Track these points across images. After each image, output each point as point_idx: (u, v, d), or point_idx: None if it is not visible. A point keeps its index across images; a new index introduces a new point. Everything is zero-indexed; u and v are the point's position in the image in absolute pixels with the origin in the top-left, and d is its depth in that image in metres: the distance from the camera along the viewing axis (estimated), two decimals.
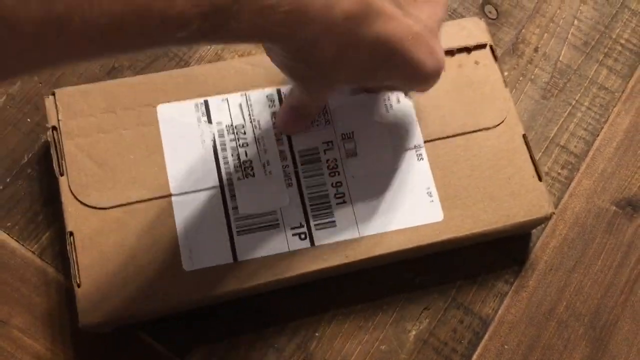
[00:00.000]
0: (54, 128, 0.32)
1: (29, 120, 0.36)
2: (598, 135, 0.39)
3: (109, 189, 0.31)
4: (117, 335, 0.33)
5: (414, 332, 0.34)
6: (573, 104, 0.39)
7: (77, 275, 0.30)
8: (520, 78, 0.40)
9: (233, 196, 0.32)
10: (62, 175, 0.31)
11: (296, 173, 0.32)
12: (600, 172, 0.38)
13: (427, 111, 0.34)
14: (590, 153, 0.39)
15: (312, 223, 0.32)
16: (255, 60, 0.34)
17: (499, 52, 0.40)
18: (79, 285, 0.30)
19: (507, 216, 0.33)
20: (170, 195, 0.31)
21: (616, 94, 0.40)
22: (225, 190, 0.32)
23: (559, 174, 0.38)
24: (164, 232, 0.31)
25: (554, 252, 0.36)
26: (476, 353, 0.34)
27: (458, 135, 0.34)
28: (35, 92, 0.37)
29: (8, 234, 0.34)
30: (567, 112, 0.39)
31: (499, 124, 0.34)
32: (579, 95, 0.40)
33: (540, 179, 0.33)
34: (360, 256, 0.31)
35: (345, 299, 0.34)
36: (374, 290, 0.35)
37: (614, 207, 0.37)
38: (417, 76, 0.27)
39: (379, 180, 0.33)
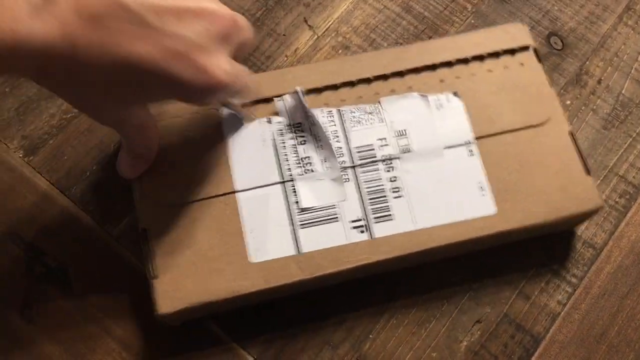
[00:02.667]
0: None
1: None
2: None
3: (179, 187, 0.33)
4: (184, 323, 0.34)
5: (465, 343, 0.35)
6: (633, 136, 0.40)
7: (153, 268, 0.32)
8: (582, 107, 0.41)
9: (294, 191, 0.34)
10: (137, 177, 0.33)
11: (353, 169, 0.34)
12: None
13: (476, 110, 0.36)
14: None
15: (370, 217, 0.33)
16: (310, 66, 0.37)
17: (562, 81, 0.41)
18: (155, 278, 0.32)
19: (557, 209, 0.34)
20: (235, 191, 0.33)
21: None
22: (287, 185, 0.34)
23: (616, 202, 0.39)
24: (230, 227, 0.33)
25: (608, 277, 0.37)
26: None
27: (506, 133, 0.35)
28: None
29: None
30: (627, 143, 0.40)
31: (545, 122, 0.36)
32: (639, 128, 0.41)
33: (588, 173, 0.35)
34: (417, 248, 0.33)
35: (400, 305, 0.36)
36: (428, 298, 0.36)
37: None
38: (185, 92, 0.28)
39: (432, 175, 0.34)
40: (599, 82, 0.42)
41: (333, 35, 0.42)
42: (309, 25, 0.42)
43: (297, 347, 0.35)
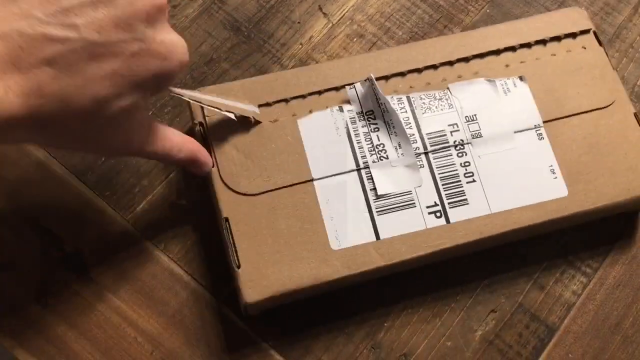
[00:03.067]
0: (200, 124, 0.35)
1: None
2: None
3: (256, 176, 0.34)
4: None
5: (480, 332, 0.35)
6: None
7: (237, 258, 0.32)
8: None
9: (370, 178, 0.34)
10: (213, 166, 0.34)
11: (426, 155, 0.35)
12: None
13: (542, 94, 0.36)
14: None
15: (445, 202, 0.34)
16: (375, 54, 0.37)
17: None
18: (238, 267, 0.32)
19: (628, 189, 0.35)
20: (312, 179, 0.34)
21: None
22: (362, 173, 0.34)
23: None
24: (309, 214, 0.33)
25: (623, 268, 0.37)
26: (540, 358, 0.35)
27: (574, 115, 0.36)
28: None
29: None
30: None
31: (610, 104, 0.36)
32: None
33: None
34: (493, 231, 0.33)
35: (415, 293, 0.36)
36: (443, 287, 0.36)
37: None
38: (160, 86, 0.28)
39: (504, 159, 0.35)
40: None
41: (348, 23, 0.42)
42: (324, 13, 0.42)
43: (312, 332, 0.35)
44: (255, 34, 0.41)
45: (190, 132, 0.36)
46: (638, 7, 0.43)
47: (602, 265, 0.37)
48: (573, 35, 0.38)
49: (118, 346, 0.34)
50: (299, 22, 0.42)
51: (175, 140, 0.31)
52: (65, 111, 0.24)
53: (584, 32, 0.38)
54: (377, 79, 0.36)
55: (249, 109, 0.34)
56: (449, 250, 0.33)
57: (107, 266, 0.35)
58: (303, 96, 0.35)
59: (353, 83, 0.36)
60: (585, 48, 0.37)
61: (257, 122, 0.35)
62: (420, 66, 0.36)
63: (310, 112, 0.35)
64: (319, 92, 0.36)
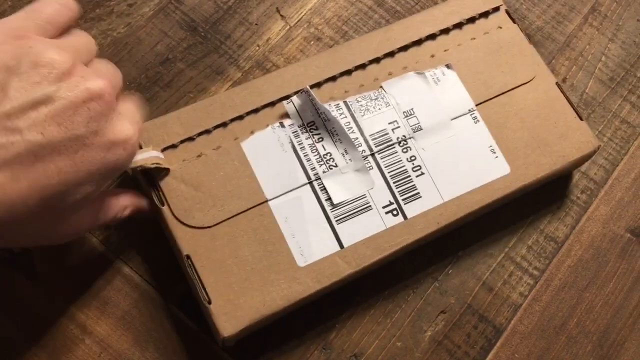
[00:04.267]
0: (140, 166, 0.33)
1: None
2: (617, 165, 0.41)
3: (210, 207, 0.33)
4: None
5: (429, 333, 0.36)
6: (596, 134, 0.42)
7: (205, 294, 0.31)
8: None
9: (323, 189, 0.34)
10: (162, 205, 0.33)
11: (373, 156, 0.35)
12: (618, 200, 0.40)
13: (470, 78, 0.37)
14: (609, 181, 0.40)
15: (399, 198, 0.34)
16: (305, 62, 0.37)
17: None
18: (209, 302, 0.31)
19: (563, 156, 0.36)
20: (266, 200, 0.33)
21: (637, 128, 0.42)
22: (315, 185, 0.34)
23: (578, 197, 0.40)
24: (271, 236, 0.33)
25: (568, 270, 0.38)
26: (487, 358, 0.36)
27: (502, 94, 0.37)
28: None
29: None
30: None
31: (533, 78, 0.38)
32: (602, 126, 0.42)
33: (581, 118, 0.37)
34: (449, 219, 0.34)
35: (367, 294, 0.36)
36: (395, 288, 0.37)
37: (629, 234, 0.39)
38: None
39: (446, 147, 0.36)
40: (564, 80, 0.43)
41: (305, 26, 0.42)
42: (282, 16, 0.42)
43: (262, 334, 0.35)
44: (212, 35, 0.41)
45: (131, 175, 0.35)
46: (588, 16, 0.45)
47: (549, 268, 0.38)
48: (486, 14, 0.39)
49: (64, 348, 0.33)
50: (256, 24, 0.42)
51: (120, 203, 0.31)
52: (12, 215, 0.24)
53: (495, 9, 0.39)
54: (312, 86, 0.36)
55: (151, 155, 0.33)
56: (411, 244, 0.34)
57: (55, 267, 0.35)
58: (241, 117, 0.35)
59: (288, 96, 0.35)
60: (501, 27, 0.39)
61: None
62: (350, 67, 0.37)
63: (252, 132, 0.35)
64: (256, 110, 0.35)
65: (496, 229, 0.38)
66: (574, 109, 0.37)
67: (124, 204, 0.32)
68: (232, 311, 0.31)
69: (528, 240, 0.39)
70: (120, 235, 0.36)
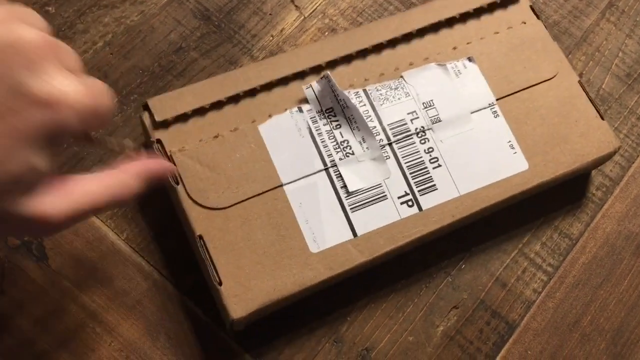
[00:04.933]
0: (158, 141, 0.33)
1: None
2: (633, 162, 0.41)
3: (225, 189, 0.33)
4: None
5: (441, 328, 0.36)
6: (612, 130, 0.41)
7: (217, 275, 0.31)
8: None
9: (339, 176, 0.34)
10: (177, 184, 0.32)
11: (390, 145, 0.35)
12: (633, 198, 0.40)
13: (491, 72, 0.37)
14: (625, 178, 0.40)
15: (415, 190, 0.34)
16: (321, 42, 0.37)
17: None
18: (220, 284, 0.31)
19: (583, 155, 0.36)
20: (281, 185, 0.33)
21: None
22: (331, 171, 0.34)
23: (593, 194, 0.39)
24: (284, 221, 0.33)
25: (582, 267, 0.38)
26: (500, 355, 0.35)
27: (523, 90, 0.37)
28: (106, 61, 0.39)
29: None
30: None
31: (555, 75, 0.37)
32: (618, 122, 0.41)
33: (602, 118, 0.37)
34: (465, 213, 0.34)
35: (379, 288, 0.36)
36: (407, 282, 0.36)
37: None
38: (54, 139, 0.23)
39: (465, 141, 0.35)
40: (581, 75, 0.42)
41: (320, 17, 0.42)
42: (296, 6, 0.42)
43: (273, 327, 0.34)
44: (225, 24, 0.41)
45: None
46: (605, 11, 0.44)
47: (563, 264, 0.38)
48: (504, 4, 0.38)
49: (75, 336, 0.33)
50: (270, 14, 0.41)
51: (129, 171, 0.27)
52: None
53: (515, 1, 0.39)
54: (327, 64, 0.35)
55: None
56: (425, 236, 0.34)
57: (67, 255, 0.35)
58: (254, 91, 0.35)
59: (304, 72, 0.35)
60: (525, 23, 0.38)
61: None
62: (367, 46, 0.36)
63: (270, 116, 0.34)
64: (270, 86, 0.35)
65: (510, 225, 0.38)
66: (595, 108, 0.37)
67: (135, 170, 0.27)
68: (243, 293, 0.31)
69: (542, 237, 0.38)
70: (131, 224, 0.35)
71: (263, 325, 0.34)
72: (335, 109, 0.35)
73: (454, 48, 0.37)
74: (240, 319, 0.31)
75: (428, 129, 0.35)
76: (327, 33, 0.41)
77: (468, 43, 0.37)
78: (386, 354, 0.35)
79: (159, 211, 0.36)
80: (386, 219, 0.33)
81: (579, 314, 0.37)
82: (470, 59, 0.37)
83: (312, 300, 0.34)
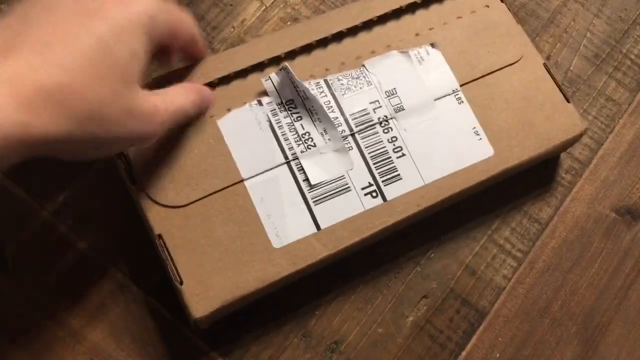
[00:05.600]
0: None
1: None
2: (603, 144, 0.40)
3: (183, 186, 0.32)
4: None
5: (411, 318, 0.35)
6: (581, 112, 0.41)
7: (177, 274, 0.31)
8: None
9: (300, 169, 0.33)
10: (134, 183, 0.32)
11: (353, 136, 0.34)
12: (603, 180, 0.39)
13: (455, 57, 0.36)
14: (594, 160, 0.40)
15: (379, 180, 0.34)
16: (280, 32, 0.36)
17: None
18: (181, 283, 0.30)
19: (549, 139, 0.35)
20: (242, 180, 0.33)
21: (623, 106, 0.41)
22: (292, 165, 0.33)
23: (562, 178, 0.39)
24: (246, 216, 0.32)
25: (552, 252, 0.37)
26: (470, 343, 0.35)
27: (487, 75, 0.36)
28: None
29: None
30: None
31: (520, 59, 0.37)
32: (587, 104, 0.41)
33: (568, 100, 0.36)
34: (430, 202, 0.33)
35: (347, 280, 0.35)
36: (376, 273, 0.36)
37: (614, 214, 0.39)
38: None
39: (429, 128, 0.35)
40: (548, 58, 0.42)
41: (282, 6, 0.41)
42: None
43: (240, 323, 0.34)
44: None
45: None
46: None
47: (533, 250, 0.37)
48: None
49: (37, 339, 0.33)
50: (231, 5, 0.41)
51: (182, 95, 0.30)
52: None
53: None
54: (286, 55, 0.35)
55: None
56: (390, 227, 0.33)
57: (27, 257, 0.34)
58: (210, 86, 0.34)
59: (262, 64, 0.34)
60: (488, 7, 0.38)
61: None
62: (327, 35, 0.35)
63: (229, 110, 0.34)
64: (228, 79, 0.34)
65: (479, 212, 0.38)
66: (561, 91, 0.36)
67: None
68: (204, 292, 0.31)
69: (512, 222, 0.38)
70: (92, 226, 0.35)
71: (229, 323, 0.33)
72: (296, 100, 0.34)
73: (417, 34, 0.37)
74: (202, 318, 0.30)
75: (391, 118, 0.35)
76: (289, 22, 0.41)
77: (431, 29, 0.37)
78: (355, 347, 0.34)
79: (119, 210, 0.35)
80: (350, 211, 0.33)
81: (549, 299, 0.37)
82: (433, 45, 0.37)
83: (279, 295, 0.34)
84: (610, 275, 0.37)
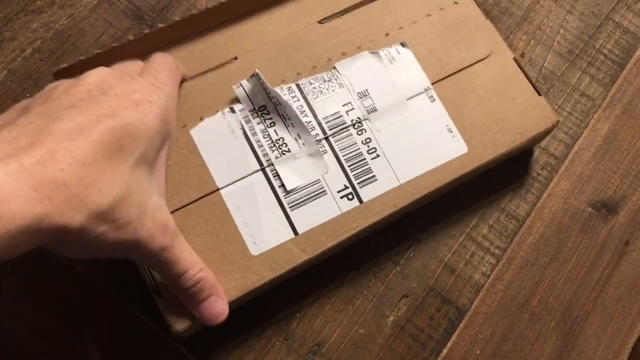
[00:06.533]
0: None
1: (27, 95, 0.37)
2: (578, 139, 0.41)
3: None
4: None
5: (392, 318, 0.36)
6: (555, 108, 0.41)
7: (156, 287, 0.31)
8: None
9: (276, 175, 0.33)
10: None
11: (327, 139, 0.34)
12: (578, 175, 0.40)
13: (425, 56, 0.37)
14: (570, 156, 0.40)
15: (355, 182, 0.34)
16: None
17: None
18: (160, 296, 0.30)
19: (521, 133, 0.36)
20: (217, 189, 0.32)
21: (597, 101, 0.42)
22: (267, 171, 0.33)
23: (538, 174, 0.39)
24: (223, 226, 0.32)
25: (530, 248, 0.38)
26: (451, 340, 0.36)
27: (458, 72, 0.37)
28: (36, 68, 0.38)
29: None
30: None
31: (490, 54, 0.37)
32: (561, 100, 0.41)
33: (539, 94, 0.37)
34: (406, 201, 0.34)
35: (327, 283, 0.36)
36: (356, 275, 0.36)
37: (590, 209, 0.39)
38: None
39: (402, 128, 0.35)
40: (522, 55, 0.42)
41: None
42: None
43: (219, 329, 0.34)
44: (159, 23, 0.40)
45: None
46: None
47: (510, 246, 0.38)
48: None
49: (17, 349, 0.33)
50: None
51: (193, 259, 0.30)
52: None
53: None
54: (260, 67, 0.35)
55: None
56: (367, 228, 0.33)
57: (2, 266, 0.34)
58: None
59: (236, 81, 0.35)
60: (457, 3, 0.38)
61: None
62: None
63: (201, 119, 0.34)
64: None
65: (457, 210, 0.38)
66: (532, 84, 0.37)
67: (198, 267, 0.30)
68: (182, 305, 0.30)
69: (489, 220, 0.38)
70: None
71: (212, 329, 0.33)
72: (268, 106, 0.34)
73: (387, 34, 0.37)
74: (182, 330, 0.30)
75: (364, 119, 0.35)
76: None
77: (400, 28, 0.37)
78: (337, 348, 0.35)
79: None
80: (327, 214, 0.33)
81: (528, 295, 0.37)
82: (403, 44, 0.37)
83: (260, 300, 0.34)
84: (588, 269, 0.38)
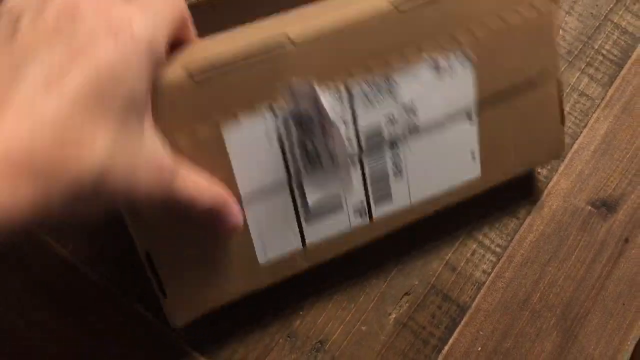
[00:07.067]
0: None
1: None
2: (577, 138, 0.41)
3: None
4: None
5: (394, 315, 0.36)
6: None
7: (161, 286, 0.31)
8: None
9: (300, 187, 0.32)
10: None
11: (359, 157, 0.32)
12: (578, 173, 0.40)
13: (479, 71, 0.33)
14: (569, 155, 0.41)
15: (371, 200, 0.33)
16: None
17: None
18: (165, 296, 0.31)
19: (533, 162, 0.36)
20: (239, 194, 0.31)
21: (596, 101, 0.42)
22: (293, 182, 0.31)
23: (538, 172, 0.40)
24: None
25: (530, 246, 0.38)
26: (452, 337, 0.36)
27: (506, 92, 0.34)
28: None
29: None
30: None
31: (542, 75, 0.34)
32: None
33: (562, 123, 0.36)
34: (412, 220, 0.34)
35: (330, 280, 0.36)
36: (358, 272, 0.37)
37: (589, 207, 0.39)
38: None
39: (432, 149, 0.33)
40: None
41: None
42: None
43: (225, 326, 0.35)
44: None
45: None
46: None
47: (511, 244, 0.38)
48: None
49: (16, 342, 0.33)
50: None
51: (201, 182, 0.28)
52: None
53: None
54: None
55: None
56: (368, 242, 0.34)
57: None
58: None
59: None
60: (533, 6, 0.33)
61: None
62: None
63: (235, 116, 0.30)
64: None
65: (458, 209, 0.38)
66: (561, 113, 0.36)
67: (207, 187, 0.29)
68: (187, 304, 0.31)
69: (490, 218, 0.39)
70: (76, 235, 0.35)
71: (215, 325, 0.34)
72: (313, 115, 0.31)
73: (451, 35, 0.32)
74: (182, 326, 0.31)
75: (402, 137, 0.33)
76: None
77: (467, 29, 0.32)
78: (340, 345, 0.35)
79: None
80: (337, 228, 0.33)
81: (528, 292, 0.38)
82: (463, 54, 0.33)
83: (263, 297, 0.35)
84: (588, 267, 0.38)
